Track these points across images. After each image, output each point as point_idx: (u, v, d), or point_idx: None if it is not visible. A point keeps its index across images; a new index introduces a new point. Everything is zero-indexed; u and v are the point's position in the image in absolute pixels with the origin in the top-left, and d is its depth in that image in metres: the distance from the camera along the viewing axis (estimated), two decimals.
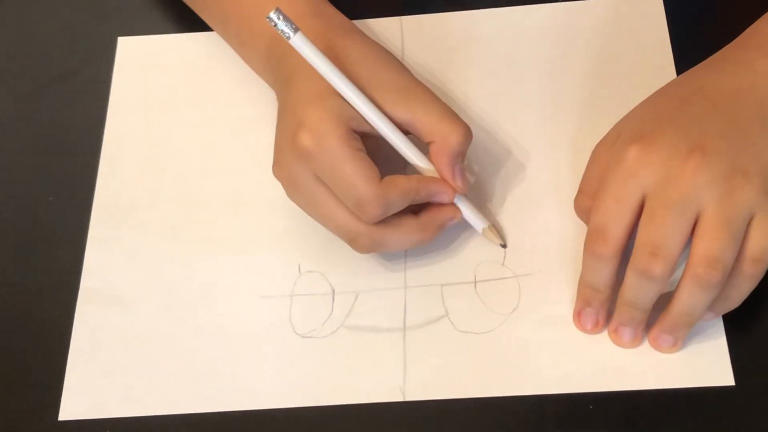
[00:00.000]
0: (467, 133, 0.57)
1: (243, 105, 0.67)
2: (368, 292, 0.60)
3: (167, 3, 0.73)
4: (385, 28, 0.69)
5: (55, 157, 0.67)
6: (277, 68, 0.61)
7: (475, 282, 0.60)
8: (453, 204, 0.59)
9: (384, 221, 0.56)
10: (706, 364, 0.56)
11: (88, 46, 0.72)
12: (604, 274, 0.55)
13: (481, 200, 0.62)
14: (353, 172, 0.54)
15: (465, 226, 0.61)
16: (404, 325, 0.58)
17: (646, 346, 0.56)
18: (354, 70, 0.57)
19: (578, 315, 0.57)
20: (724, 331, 0.57)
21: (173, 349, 0.59)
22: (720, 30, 0.61)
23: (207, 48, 0.70)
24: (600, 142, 0.58)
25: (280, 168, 0.57)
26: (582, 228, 0.58)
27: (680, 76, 0.59)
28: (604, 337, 0.57)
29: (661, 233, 0.52)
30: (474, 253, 0.60)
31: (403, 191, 0.56)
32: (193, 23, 0.71)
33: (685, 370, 0.56)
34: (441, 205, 0.58)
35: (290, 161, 0.56)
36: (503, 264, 0.60)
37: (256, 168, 0.65)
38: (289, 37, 0.54)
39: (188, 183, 0.65)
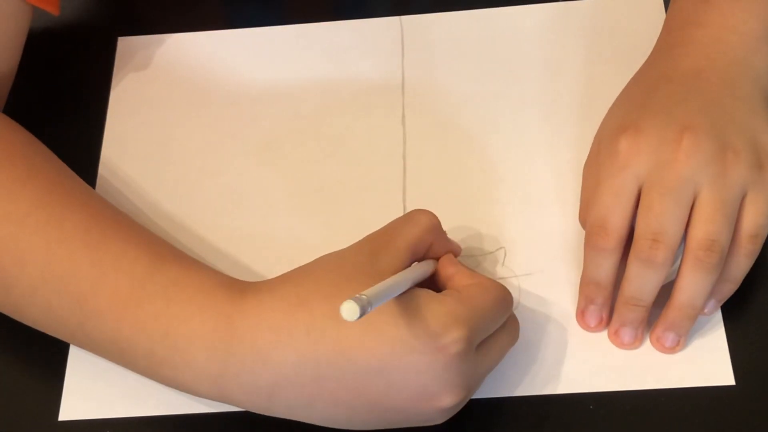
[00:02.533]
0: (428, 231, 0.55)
1: (243, 105, 0.67)
2: None
3: (167, 3, 0.73)
4: (385, 28, 0.70)
5: None
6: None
7: None
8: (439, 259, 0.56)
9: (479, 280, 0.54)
10: (706, 363, 0.56)
11: (88, 46, 0.72)
12: (606, 267, 0.55)
13: (480, 201, 0.62)
14: (488, 307, 0.52)
15: (464, 227, 0.61)
16: None
17: (646, 346, 0.56)
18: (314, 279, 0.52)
19: (582, 313, 0.57)
20: (724, 331, 0.57)
21: None
22: None
23: (207, 48, 0.70)
24: (587, 159, 0.60)
25: (457, 392, 0.50)
26: (582, 228, 0.58)
27: (636, 73, 0.61)
28: (604, 337, 0.57)
29: (660, 221, 0.52)
30: (474, 253, 0.60)
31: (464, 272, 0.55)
32: (193, 23, 0.71)
33: (685, 370, 0.56)
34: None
35: (458, 380, 0.50)
36: (503, 264, 0.60)
37: (256, 168, 0.65)
38: (370, 309, 0.44)
39: (188, 183, 0.65)
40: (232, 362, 0.50)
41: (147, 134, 0.67)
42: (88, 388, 0.58)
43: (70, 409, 0.58)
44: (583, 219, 0.58)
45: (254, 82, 0.68)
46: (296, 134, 0.66)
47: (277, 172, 0.65)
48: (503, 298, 0.53)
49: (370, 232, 0.55)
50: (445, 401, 0.50)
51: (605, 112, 0.60)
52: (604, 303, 0.56)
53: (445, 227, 0.59)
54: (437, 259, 0.56)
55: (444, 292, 0.52)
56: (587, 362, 0.57)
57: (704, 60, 0.57)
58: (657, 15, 0.67)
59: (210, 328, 0.51)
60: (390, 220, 0.57)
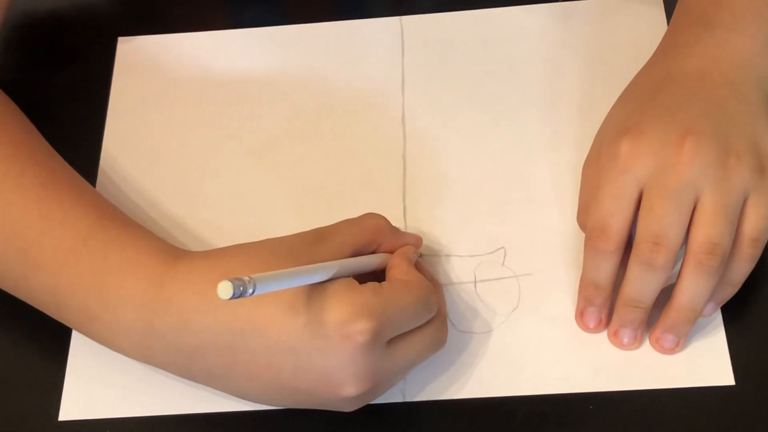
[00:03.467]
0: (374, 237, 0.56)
1: (243, 105, 0.67)
2: None
3: (167, 3, 0.73)
4: (385, 28, 0.70)
5: None
6: (190, 332, 0.52)
7: (475, 282, 0.60)
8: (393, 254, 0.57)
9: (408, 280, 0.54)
10: (706, 364, 0.56)
11: (88, 46, 0.72)
12: (606, 269, 0.55)
13: (481, 201, 0.62)
14: (407, 302, 0.52)
15: (464, 227, 0.61)
16: None
17: (646, 346, 0.56)
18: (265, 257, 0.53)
19: (581, 314, 0.57)
20: (724, 330, 0.57)
21: None
22: None
23: (207, 48, 0.70)
24: (586, 159, 0.59)
25: (360, 383, 0.51)
26: (581, 229, 0.58)
27: (640, 71, 0.60)
28: (604, 337, 0.57)
29: (662, 224, 0.52)
30: (474, 253, 0.60)
31: (404, 268, 0.55)
32: (193, 23, 0.71)
33: (685, 370, 0.56)
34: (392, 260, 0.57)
35: (362, 371, 0.50)
36: (503, 264, 0.60)
37: (256, 168, 0.65)
38: (254, 292, 0.45)
39: (188, 183, 0.65)
40: (156, 322, 0.52)
41: (147, 134, 0.67)
42: (88, 388, 0.58)
43: (70, 409, 0.58)
44: (582, 220, 0.58)
45: (254, 82, 0.68)
46: (296, 134, 0.66)
47: (277, 171, 0.65)
48: (424, 298, 0.53)
49: None
50: (348, 390, 0.51)
51: (605, 112, 0.60)
52: (603, 304, 0.56)
53: (445, 227, 0.59)
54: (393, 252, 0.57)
55: (366, 283, 0.52)
56: (587, 362, 0.57)
57: (709, 61, 0.57)
58: (657, 15, 0.67)
59: (141, 288, 0.52)
60: (390, 220, 0.57)
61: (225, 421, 0.57)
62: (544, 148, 0.64)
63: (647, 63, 0.60)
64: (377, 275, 0.56)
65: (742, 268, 0.54)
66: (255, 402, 0.55)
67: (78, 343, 0.59)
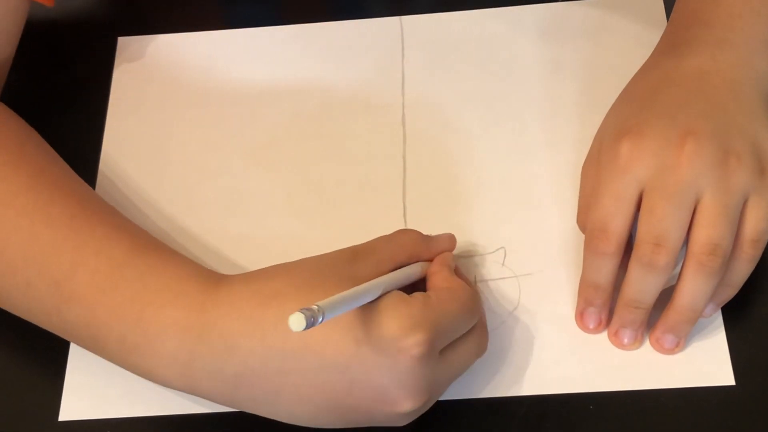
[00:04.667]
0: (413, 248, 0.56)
1: (243, 105, 0.67)
2: None
3: (167, 3, 0.73)
4: (385, 28, 0.70)
5: None
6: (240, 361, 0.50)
7: (475, 282, 0.60)
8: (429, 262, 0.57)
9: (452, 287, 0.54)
10: (707, 363, 0.56)
11: (88, 46, 0.72)
12: (606, 271, 0.55)
13: (481, 201, 0.62)
14: (455, 310, 0.52)
15: (464, 227, 0.61)
16: None
17: (646, 346, 0.56)
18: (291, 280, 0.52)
19: (581, 315, 0.57)
20: (724, 330, 0.57)
21: None
22: None
23: (207, 48, 0.70)
24: (585, 160, 0.59)
25: (417, 397, 0.50)
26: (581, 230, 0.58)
27: (639, 71, 0.60)
28: (604, 337, 0.57)
29: (663, 225, 0.52)
30: (474, 253, 0.60)
31: (445, 275, 0.55)
32: (193, 23, 0.71)
33: (685, 370, 0.56)
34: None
35: (419, 384, 0.50)
36: (503, 264, 0.60)
37: (256, 168, 0.65)
38: (323, 319, 0.44)
39: (188, 183, 0.65)
40: (200, 349, 0.51)
41: (147, 134, 0.67)
42: (88, 388, 0.58)
43: (70, 409, 0.58)
44: (582, 222, 0.58)
45: (254, 82, 0.68)
46: (296, 134, 0.66)
47: (276, 172, 0.65)
48: (470, 304, 0.53)
49: (370, 232, 0.55)
50: (405, 405, 0.50)
51: (605, 112, 0.60)
52: (603, 305, 0.56)
53: (445, 227, 0.59)
54: (431, 260, 0.56)
55: (414, 294, 0.52)
56: (587, 362, 0.57)
57: (709, 61, 0.57)
58: (657, 15, 0.68)
59: (182, 315, 0.51)
60: (390, 220, 0.57)
61: (225, 421, 0.57)
62: (544, 148, 0.64)
63: (645, 63, 0.60)
64: (415, 284, 0.56)
65: (742, 269, 0.54)
66: (305, 425, 0.52)
67: None
